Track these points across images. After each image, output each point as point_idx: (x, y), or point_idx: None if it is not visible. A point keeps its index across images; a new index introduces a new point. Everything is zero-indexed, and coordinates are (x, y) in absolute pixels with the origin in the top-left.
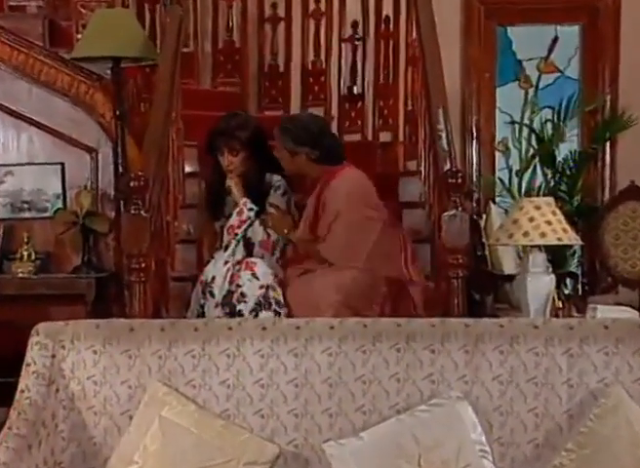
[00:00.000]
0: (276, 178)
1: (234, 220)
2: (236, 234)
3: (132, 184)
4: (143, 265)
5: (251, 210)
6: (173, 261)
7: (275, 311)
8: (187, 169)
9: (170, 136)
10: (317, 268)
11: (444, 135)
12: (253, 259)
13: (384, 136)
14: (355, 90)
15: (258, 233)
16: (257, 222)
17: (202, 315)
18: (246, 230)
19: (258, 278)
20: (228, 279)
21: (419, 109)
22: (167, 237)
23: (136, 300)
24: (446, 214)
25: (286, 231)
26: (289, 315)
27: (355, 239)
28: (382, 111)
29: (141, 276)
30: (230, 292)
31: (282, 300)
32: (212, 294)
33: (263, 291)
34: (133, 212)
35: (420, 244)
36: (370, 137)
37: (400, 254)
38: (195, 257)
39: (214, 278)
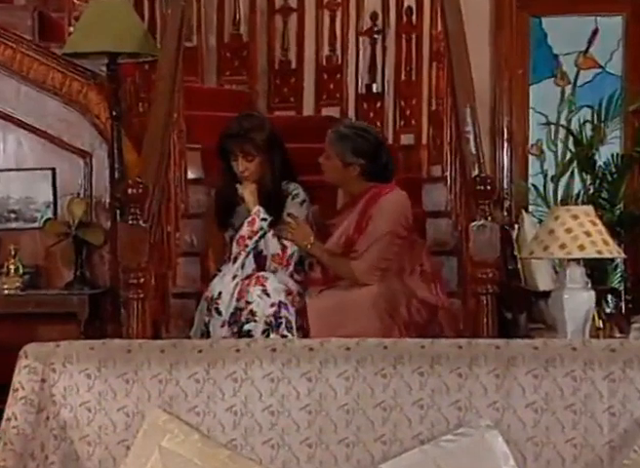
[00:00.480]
0: (293, 186)
1: (245, 230)
2: (246, 245)
3: (129, 192)
4: (142, 280)
5: (264, 220)
6: (174, 276)
7: (282, 335)
8: (190, 175)
9: (171, 138)
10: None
11: (472, 137)
12: (264, 274)
13: (406, 139)
14: (374, 88)
15: (271, 245)
16: (269, 234)
17: (207, 335)
18: (257, 242)
19: (269, 295)
20: (236, 295)
21: (444, 109)
22: (168, 249)
23: (133, 319)
24: (474, 224)
25: (309, 244)
26: (305, 331)
27: (388, 259)
28: (404, 111)
29: (140, 292)
30: (238, 310)
31: (294, 321)
32: (218, 312)
33: (275, 309)
34: (130, 222)
35: (446, 257)
36: (390, 140)
37: (422, 272)
38: (199, 272)
39: (220, 294)
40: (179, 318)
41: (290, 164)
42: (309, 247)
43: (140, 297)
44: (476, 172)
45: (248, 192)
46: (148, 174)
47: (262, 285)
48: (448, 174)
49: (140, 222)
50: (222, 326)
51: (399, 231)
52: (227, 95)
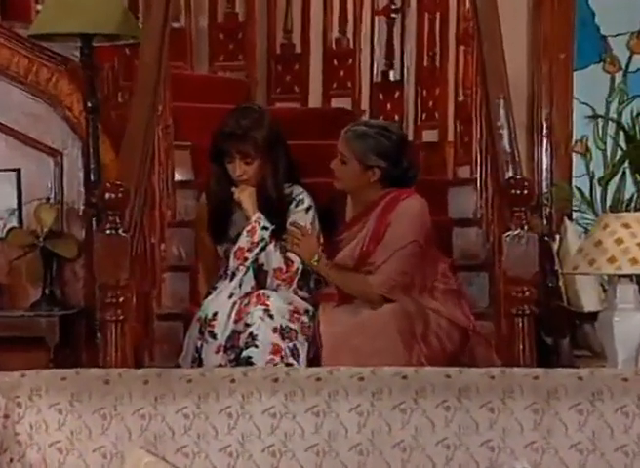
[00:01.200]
0: (297, 191)
1: (244, 241)
2: (246, 259)
3: (107, 196)
4: (122, 300)
5: (265, 229)
6: (159, 295)
7: (287, 363)
8: (178, 177)
9: (156, 134)
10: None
11: (506, 132)
12: (266, 292)
13: (429, 135)
14: (392, 76)
15: (273, 259)
16: (272, 245)
17: (198, 362)
18: (258, 254)
19: (272, 316)
20: (234, 316)
21: (473, 101)
22: (152, 263)
23: (112, 345)
24: (508, 234)
25: (316, 259)
26: (315, 358)
27: (410, 272)
28: (426, 103)
29: (119, 313)
30: (236, 333)
31: (300, 346)
32: (212, 336)
33: (279, 332)
34: (108, 231)
35: (476, 272)
36: (410, 137)
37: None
38: (188, 289)
39: (215, 314)
40: (164, 343)
41: (293, 165)
42: (316, 263)
43: (119, 319)
44: (510, 173)
45: (246, 196)
46: (129, 175)
47: (264, 304)
48: (477, 175)
49: (120, 232)
50: (217, 351)
51: (421, 240)
52: (221, 83)
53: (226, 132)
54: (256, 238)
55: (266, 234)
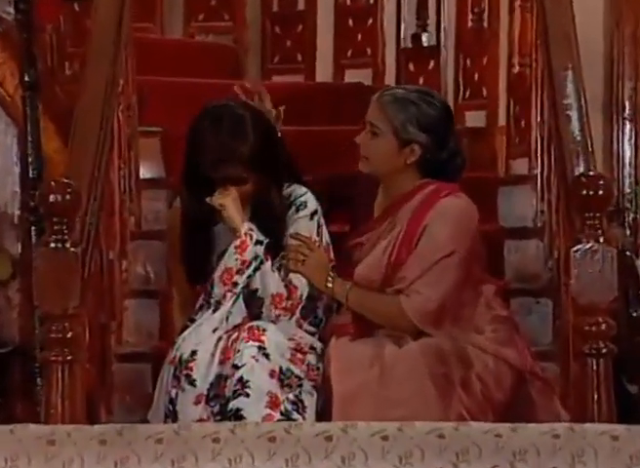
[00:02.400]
0: (299, 191)
1: (232, 261)
2: (235, 284)
3: (51, 199)
4: (70, 334)
5: (259, 243)
6: (120, 328)
7: (289, 417)
8: (145, 173)
9: (115, 117)
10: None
11: (575, 115)
12: (260, 324)
13: (474, 118)
14: (425, 40)
15: (271, 282)
16: (268, 264)
17: (173, 418)
18: (250, 277)
19: (268, 355)
20: (219, 356)
21: (532, 73)
22: (110, 287)
23: (57, 394)
24: (578, 248)
25: (329, 280)
26: (326, 402)
27: (453, 294)
28: (471, 76)
29: (67, 352)
30: (222, 379)
31: (305, 394)
32: (190, 382)
33: (277, 377)
34: (53, 245)
35: (535, 298)
36: None
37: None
38: (158, 321)
39: (194, 354)
40: (127, 392)
41: (290, 159)
42: (330, 285)
43: (66, 360)
44: (581, 168)
45: (230, 202)
46: (80, 171)
47: (258, 340)
48: (537, 171)
49: (68, 245)
50: (197, 402)
51: (462, 252)
52: (200, 50)
53: (207, 160)
54: (247, 256)
55: (261, 250)
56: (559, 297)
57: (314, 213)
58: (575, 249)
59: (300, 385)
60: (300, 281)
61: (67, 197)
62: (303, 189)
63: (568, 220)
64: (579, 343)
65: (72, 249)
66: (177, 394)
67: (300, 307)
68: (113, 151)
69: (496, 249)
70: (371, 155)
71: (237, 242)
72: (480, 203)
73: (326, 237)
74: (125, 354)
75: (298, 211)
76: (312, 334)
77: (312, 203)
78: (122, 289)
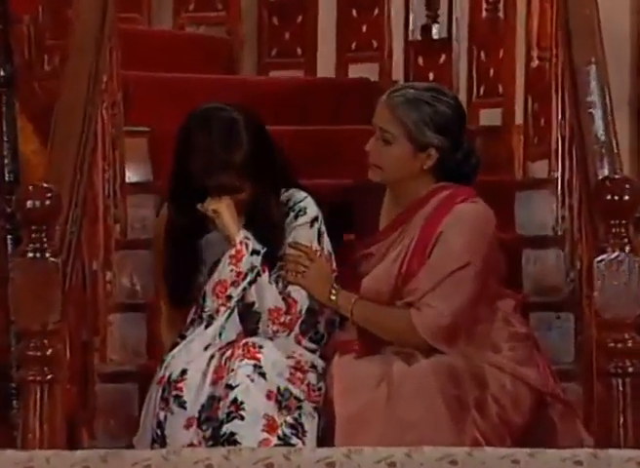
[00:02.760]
0: (298, 196)
1: (226, 272)
2: (229, 297)
3: (29, 204)
4: (50, 352)
5: (255, 253)
6: (104, 345)
7: (287, 442)
8: (131, 176)
9: (99, 116)
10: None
11: (599, 113)
12: (256, 340)
13: (489, 116)
14: (435, 32)
15: (268, 295)
16: (265, 276)
17: (161, 442)
18: (246, 289)
19: (264, 375)
20: (212, 375)
21: (552, 67)
22: (93, 300)
23: (35, 416)
24: (602, 258)
25: (333, 292)
26: (328, 425)
27: (468, 309)
28: (486, 71)
29: (46, 371)
30: (214, 400)
31: (305, 416)
32: (180, 404)
33: (275, 399)
34: (31, 254)
35: (556, 313)
36: None
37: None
38: (145, 337)
39: (184, 373)
40: (111, 415)
41: (285, 163)
42: (333, 297)
43: (45, 380)
44: (606, 171)
45: (224, 208)
46: (61, 175)
47: (254, 357)
48: (558, 174)
49: (48, 255)
50: (188, 426)
51: (478, 263)
52: (191, 43)
53: (198, 168)
54: (243, 267)
55: (257, 261)
56: (581, 312)
57: (314, 219)
58: (599, 259)
59: (300, 407)
60: (299, 294)
61: (47, 202)
62: (303, 194)
63: (591, 228)
64: (603, 361)
65: (52, 259)
66: (165, 417)
67: (299, 322)
68: (97, 153)
69: (512, 259)
70: (384, 164)
71: (232, 251)
72: (495, 209)
73: (328, 246)
74: (109, 373)
75: (297, 217)
76: (313, 352)
77: (312, 209)
78: (106, 302)
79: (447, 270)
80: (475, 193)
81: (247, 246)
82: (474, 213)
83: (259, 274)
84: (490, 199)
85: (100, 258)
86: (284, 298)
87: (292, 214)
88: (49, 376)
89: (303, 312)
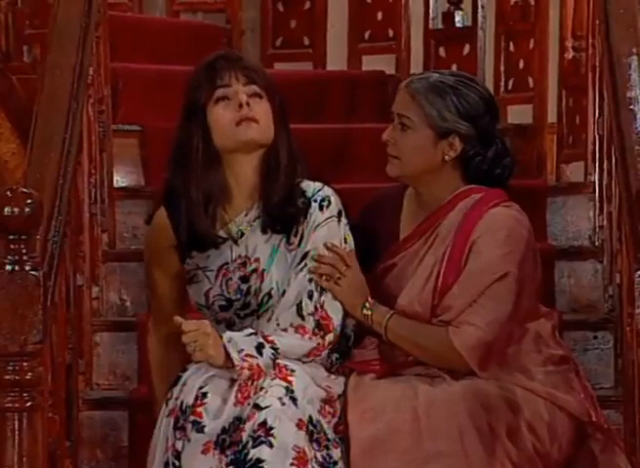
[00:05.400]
0: (316, 185)
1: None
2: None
3: (7, 212)
4: (29, 376)
5: (260, 354)
6: (90, 368)
7: None
8: (120, 180)
9: (85, 113)
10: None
11: None
12: (288, 363)
13: (518, 114)
14: (458, 19)
15: (296, 351)
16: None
17: None
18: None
19: (295, 400)
20: (235, 396)
21: (588, 59)
22: (78, 318)
23: (13, 447)
24: None
25: (367, 307)
26: (345, 454)
27: (509, 326)
28: (515, 63)
29: (25, 397)
30: (238, 422)
31: (334, 456)
32: (199, 428)
33: (305, 433)
34: (9, 267)
35: (594, 332)
36: None
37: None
38: (136, 359)
39: (204, 397)
40: (97, 445)
41: (300, 155)
42: (367, 311)
43: (25, 407)
44: None
45: (201, 336)
46: (42, 179)
47: (286, 380)
48: (595, 178)
49: (27, 268)
50: (206, 451)
51: (516, 273)
52: (186, 32)
53: (218, 56)
54: (264, 367)
55: (268, 356)
56: (622, 332)
57: (340, 213)
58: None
59: (328, 439)
60: (334, 309)
61: (26, 209)
62: (318, 183)
63: (633, 238)
64: None
65: (32, 272)
66: (183, 446)
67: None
68: (82, 154)
69: (544, 272)
70: (402, 153)
71: (242, 376)
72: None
73: (351, 244)
74: (96, 400)
75: (321, 208)
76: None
77: (335, 199)
78: (92, 321)
79: (484, 283)
80: (506, 195)
81: (248, 358)
82: (508, 218)
83: (275, 355)
84: (520, 205)
85: (86, 272)
86: (315, 307)
87: (314, 204)
88: (28, 403)
89: (337, 333)
